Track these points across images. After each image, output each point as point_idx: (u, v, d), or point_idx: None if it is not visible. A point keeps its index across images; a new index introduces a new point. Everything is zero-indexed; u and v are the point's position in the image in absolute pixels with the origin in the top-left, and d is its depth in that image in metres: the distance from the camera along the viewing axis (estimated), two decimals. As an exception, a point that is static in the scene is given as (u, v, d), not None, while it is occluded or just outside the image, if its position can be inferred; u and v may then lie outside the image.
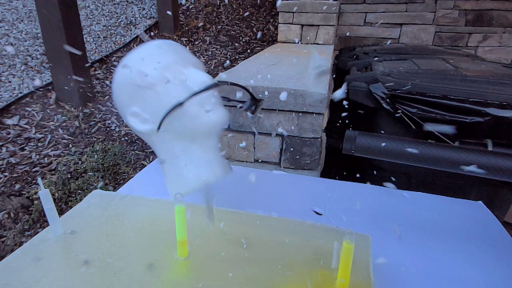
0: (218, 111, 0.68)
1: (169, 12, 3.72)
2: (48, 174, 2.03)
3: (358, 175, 1.58)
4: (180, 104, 0.63)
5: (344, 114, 1.56)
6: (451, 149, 0.69)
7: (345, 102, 1.43)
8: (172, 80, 0.65)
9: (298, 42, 3.03)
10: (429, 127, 1.28)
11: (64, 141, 2.33)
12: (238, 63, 1.97)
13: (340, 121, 1.62)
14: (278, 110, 1.36)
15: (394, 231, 0.72)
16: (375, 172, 1.52)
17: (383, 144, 0.70)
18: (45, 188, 0.62)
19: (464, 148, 0.69)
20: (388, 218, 0.86)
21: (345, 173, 1.66)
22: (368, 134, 0.74)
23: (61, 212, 1.72)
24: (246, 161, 1.50)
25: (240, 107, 0.78)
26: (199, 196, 0.73)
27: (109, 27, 3.90)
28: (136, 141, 2.45)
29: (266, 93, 1.33)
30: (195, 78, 0.66)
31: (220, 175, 0.70)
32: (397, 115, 1.38)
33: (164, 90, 0.65)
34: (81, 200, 0.79)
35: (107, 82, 2.98)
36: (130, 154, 2.32)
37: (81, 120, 2.55)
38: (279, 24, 3.05)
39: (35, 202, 1.81)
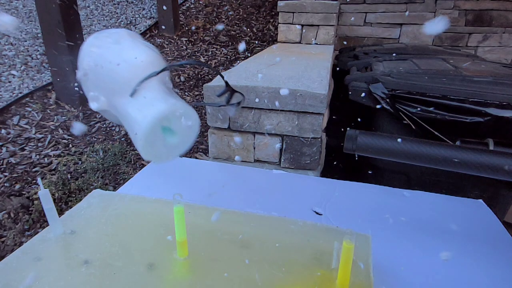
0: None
1: (165, 7, 3.71)
2: (48, 174, 2.03)
3: (358, 175, 1.58)
4: (157, 73, 0.68)
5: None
6: (452, 149, 0.69)
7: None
8: (102, 56, 0.71)
9: (298, 42, 3.03)
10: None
11: (64, 141, 2.33)
12: (238, 63, 1.97)
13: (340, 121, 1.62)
14: (278, 110, 1.36)
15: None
16: (374, 171, 1.52)
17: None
18: (45, 188, 0.62)
19: (466, 148, 0.69)
20: (388, 218, 0.86)
21: (346, 174, 1.66)
22: (369, 133, 0.74)
23: (61, 212, 1.72)
24: (246, 161, 1.50)
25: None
26: (199, 196, 0.73)
27: (109, 27, 3.90)
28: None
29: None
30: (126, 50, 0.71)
31: (171, 103, 0.68)
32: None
33: (102, 69, 0.71)
34: (81, 200, 0.79)
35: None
36: (130, 154, 2.32)
37: (81, 120, 2.55)
38: (279, 24, 3.05)
39: (35, 202, 1.81)
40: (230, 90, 0.78)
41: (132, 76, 0.68)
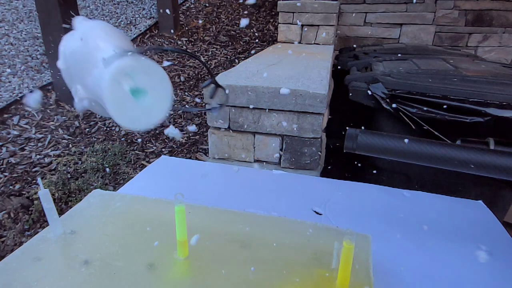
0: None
1: (167, 11, 3.72)
2: (48, 174, 2.03)
3: (358, 175, 1.58)
4: (140, 52, 0.65)
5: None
6: (453, 148, 0.69)
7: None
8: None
9: (298, 42, 3.03)
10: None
11: (64, 141, 2.33)
12: (238, 63, 1.97)
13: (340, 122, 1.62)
14: (278, 110, 1.36)
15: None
16: (375, 171, 1.52)
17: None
18: (45, 188, 0.62)
19: (466, 147, 0.69)
20: (388, 218, 0.86)
21: (346, 174, 1.65)
22: (370, 132, 0.74)
23: (61, 212, 1.71)
24: (246, 161, 1.50)
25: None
26: (199, 196, 0.73)
27: (109, 27, 3.89)
28: (136, 141, 2.45)
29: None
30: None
31: (128, 58, 0.67)
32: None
33: (68, 58, 0.71)
34: (81, 200, 0.79)
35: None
36: (130, 154, 2.32)
37: (81, 120, 2.55)
38: (279, 24, 3.05)
39: (35, 202, 1.81)
40: (214, 83, 0.78)
41: (88, 49, 0.68)
